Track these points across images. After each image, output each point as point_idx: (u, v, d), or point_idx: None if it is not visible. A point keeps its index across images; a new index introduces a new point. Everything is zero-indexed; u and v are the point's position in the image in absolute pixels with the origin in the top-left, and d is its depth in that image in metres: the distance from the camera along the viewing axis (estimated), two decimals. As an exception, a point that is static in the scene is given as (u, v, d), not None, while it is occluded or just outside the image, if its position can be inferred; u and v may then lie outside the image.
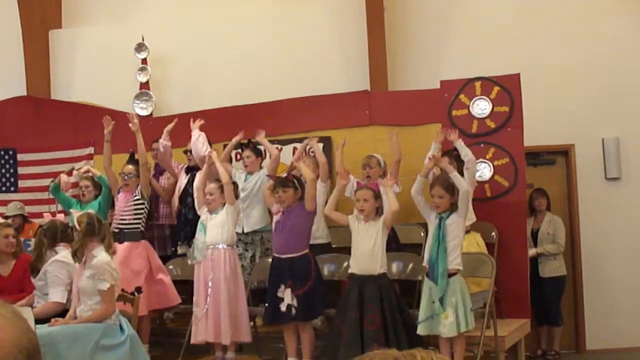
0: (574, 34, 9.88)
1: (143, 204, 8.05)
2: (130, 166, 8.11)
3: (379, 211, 6.93)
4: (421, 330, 6.51)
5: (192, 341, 7.41)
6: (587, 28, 9.88)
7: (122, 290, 6.67)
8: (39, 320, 6.09)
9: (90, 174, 8.57)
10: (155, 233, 8.78)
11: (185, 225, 8.45)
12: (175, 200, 8.83)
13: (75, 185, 9.29)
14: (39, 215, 9.22)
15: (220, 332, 7.22)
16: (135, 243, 7.86)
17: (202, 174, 7.86)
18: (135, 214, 7.94)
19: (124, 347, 6.11)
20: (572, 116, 9.67)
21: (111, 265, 6.29)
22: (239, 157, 9.05)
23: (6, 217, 9.29)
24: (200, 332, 7.33)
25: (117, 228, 7.92)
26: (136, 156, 8.19)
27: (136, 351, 6.22)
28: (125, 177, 8.04)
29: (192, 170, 8.70)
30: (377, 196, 6.94)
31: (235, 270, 7.38)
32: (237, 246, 8.06)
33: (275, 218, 7.25)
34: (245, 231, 8.21)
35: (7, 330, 1.41)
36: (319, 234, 7.93)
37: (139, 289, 6.83)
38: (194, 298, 7.45)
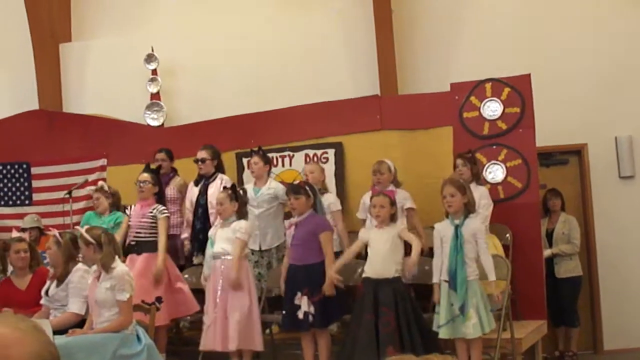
0: (585, 33, 9.85)
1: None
2: (145, 174, 8.11)
3: (393, 217, 6.94)
4: (443, 334, 6.50)
5: (200, 348, 7.42)
6: (598, 27, 9.85)
7: (142, 301, 6.68)
8: (56, 332, 6.10)
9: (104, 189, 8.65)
10: (169, 244, 8.78)
11: (198, 234, 8.46)
12: (188, 213, 8.82)
13: (89, 197, 9.34)
14: (54, 227, 9.26)
15: (228, 339, 7.22)
16: (153, 254, 7.86)
17: None
18: (152, 226, 7.93)
19: (141, 357, 6.12)
20: (584, 115, 9.64)
21: (130, 275, 6.33)
22: (250, 165, 9.06)
23: (23, 230, 9.34)
24: (208, 341, 7.33)
25: (133, 240, 7.93)
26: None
27: (153, 361, 6.24)
28: (141, 185, 8.03)
29: (201, 180, 8.69)
30: (393, 203, 6.96)
31: (247, 280, 7.37)
32: (253, 253, 8.08)
33: (289, 232, 7.26)
34: (262, 249, 8.25)
35: (29, 344, 1.42)
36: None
37: (159, 299, 6.84)
38: (205, 307, 7.47)
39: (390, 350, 6.28)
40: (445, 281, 6.52)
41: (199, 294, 7.98)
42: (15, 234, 8.68)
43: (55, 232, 7.25)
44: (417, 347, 6.36)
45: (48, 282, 7.04)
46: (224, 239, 7.40)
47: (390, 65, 10.00)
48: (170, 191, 9.04)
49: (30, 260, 7.70)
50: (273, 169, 8.72)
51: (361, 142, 8.93)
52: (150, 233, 7.93)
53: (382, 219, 6.87)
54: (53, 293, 6.83)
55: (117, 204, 8.53)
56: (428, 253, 7.69)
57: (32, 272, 7.66)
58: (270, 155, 8.69)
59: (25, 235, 8.54)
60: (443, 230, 6.69)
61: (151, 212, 7.96)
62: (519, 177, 8.14)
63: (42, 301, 7.05)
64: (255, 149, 8.47)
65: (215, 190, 8.24)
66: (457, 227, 6.56)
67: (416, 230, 7.69)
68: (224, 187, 7.68)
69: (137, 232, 7.95)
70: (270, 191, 8.27)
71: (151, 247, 7.91)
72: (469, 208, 6.66)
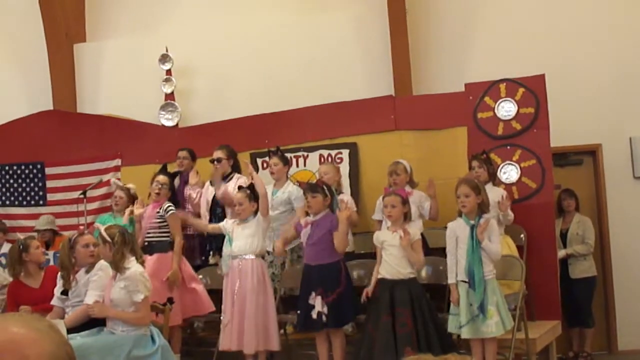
0: (599, 33, 9.81)
1: None
2: (164, 177, 8.12)
3: (406, 217, 6.93)
4: (465, 334, 6.49)
5: (220, 349, 7.44)
6: (613, 27, 9.81)
7: (154, 301, 6.69)
8: (72, 329, 6.11)
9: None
10: (184, 243, 8.79)
11: (216, 236, 8.45)
12: (204, 212, 8.83)
13: (106, 196, 9.36)
14: (68, 227, 9.29)
15: (244, 341, 7.24)
16: (165, 254, 7.88)
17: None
18: (161, 226, 7.94)
19: (155, 358, 6.14)
20: (598, 116, 9.61)
21: (144, 276, 6.34)
22: (265, 165, 9.07)
23: (37, 231, 9.38)
24: (225, 340, 7.35)
25: (146, 241, 7.95)
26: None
27: (168, 361, 6.25)
28: (160, 186, 8.03)
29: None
30: (405, 202, 6.95)
31: (263, 280, 7.38)
32: (268, 253, 8.09)
33: (305, 231, 7.25)
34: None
35: (45, 345, 1.42)
36: None
37: (170, 300, 6.85)
38: (222, 307, 7.48)
39: (407, 350, 6.27)
40: (464, 281, 6.50)
41: (212, 294, 7.99)
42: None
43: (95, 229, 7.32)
44: (433, 347, 6.35)
45: (60, 282, 7.04)
46: (243, 236, 7.42)
47: (404, 65, 9.99)
48: (189, 190, 9.05)
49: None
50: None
51: (375, 143, 8.93)
52: (160, 233, 7.94)
53: (395, 219, 6.86)
54: (75, 288, 6.81)
55: (133, 202, 8.58)
56: (442, 253, 7.69)
57: (43, 271, 7.69)
58: (286, 155, 8.67)
59: (39, 238, 8.58)
60: (458, 230, 6.67)
61: (158, 212, 7.99)
62: (533, 177, 8.12)
63: (53, 302, 7.05)
64: (273, 149, 8.45)
65: (232, 190, 8.24)
66: (472, 228, 6.54)
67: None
68: (240, 187, 7.67)
69: (147, 233, 7.97)
70: (285, 195, 8.27)
71: (162, 247, 7.92)
72: (482, 208, 6.64)
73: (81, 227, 8.09)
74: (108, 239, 6.36)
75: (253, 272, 7.33)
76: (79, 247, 6.81)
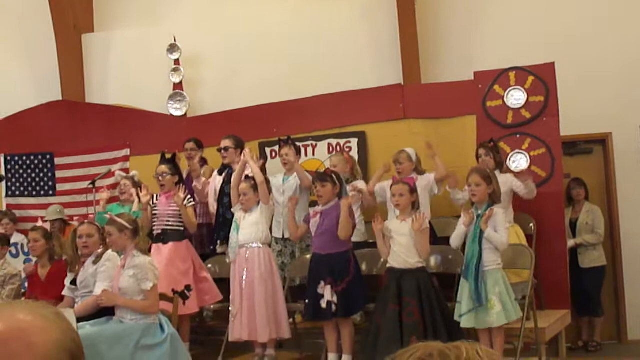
0: (609, 21, 9.75)
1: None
2: (163, 166, 8.11)
3: (414, 205, 6.91)
4: (465, 323, 6.48)
5: (230, 339, 7.44)
6: (623, 14, 9.75)
7: (172, 289, 6.70)
8: (81, 319, 6.12)
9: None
10: (193, 233, 8.79)
11: (224, 225, 8.44)
12: (212, 201, 8.84)
13: (115, 186, 9.38)
14: (78, 217, 9.31)
15: (256, 330, 7.25)
16: (179, 243, 7.89)
17: (236, 173, 7.88)
18: (180, 215, 7.94)
19: (164, 346, 6.14)
20: (608, 104, 9.55)
21: (153, 264, 6.34)
22: (274, 154, 9.06)
23: (46, 221, 9.39)
24: (236, 331, 7.36)
25: (161, 230, 7.95)
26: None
27: (177, 350, 6.25)
28: (160, 178, 8.04)
29: (225, 169, 8.70)
30: (413, 190, 6.92)
31: (270, 268, 7.38)
32: (277, 243, 8.09)
33: (314, 221, 7.24)
34: (285, 237, 8.24)
35: (51, 332, 1.42)
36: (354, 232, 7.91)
37: (188, 287, 6.85)
38: (230, 297, 7.48)
39: (414, 340, 6.25)
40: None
41: (220, 283, 7.99)
42: (40, 224, 8.73)
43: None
44: (441, 337, 6.32)
45: (70, 273, 7.06)
46: (248, 224, 7.42)
47: (413, 54, 9.96)
48: (194, 182, 9.04)
49: (50, 251, 7.73)
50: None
51: (384, 131, 8.92)
52: (178, 222, 7.95)
53: (403, 207, 6.83)
54: (83, 279, 6.82)
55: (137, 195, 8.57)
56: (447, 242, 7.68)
57: (52, 264, 7.68)
58: (297, 145, 8.65)
59: (47, 226, 8.58)
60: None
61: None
62: (543, 166, 8.10)
63: (64, 292, 7.07)
64: (284, 139, 8.42)
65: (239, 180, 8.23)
66: (478, 217, 6.53)
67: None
68: (246, 176, 7.67)
69: (167, 221, 7.95)
70: (296, 181, 8.25)
71: (178, 236, 7.93)
72: (493, 198, 6.62)
73: (91, 216, 8.09)
74: (128, 226, 6.36)
75: (260, 261, 7.33)
76: (77, 238, 6.86)
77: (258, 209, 7.46)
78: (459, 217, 7.12)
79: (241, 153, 8.62)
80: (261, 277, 7.28)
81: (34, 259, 8.19)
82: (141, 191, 8.14)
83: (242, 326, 7.29)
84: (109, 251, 6.70)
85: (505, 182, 7.46)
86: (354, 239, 7.70)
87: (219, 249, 8.58)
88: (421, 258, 6.76)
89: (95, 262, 6.71)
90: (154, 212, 8.03)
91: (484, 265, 6.43)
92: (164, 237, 7.88)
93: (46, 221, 9.41)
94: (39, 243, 7.70)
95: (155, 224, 7.98)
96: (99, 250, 6.78)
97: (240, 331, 7.31)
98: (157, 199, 8.12)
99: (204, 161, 9.25)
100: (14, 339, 1.38)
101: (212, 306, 8.28)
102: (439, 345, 1.39)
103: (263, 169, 7.82)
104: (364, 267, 7.54)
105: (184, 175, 8.62)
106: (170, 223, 7.95)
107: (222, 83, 10.77)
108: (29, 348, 1.38)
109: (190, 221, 7.98)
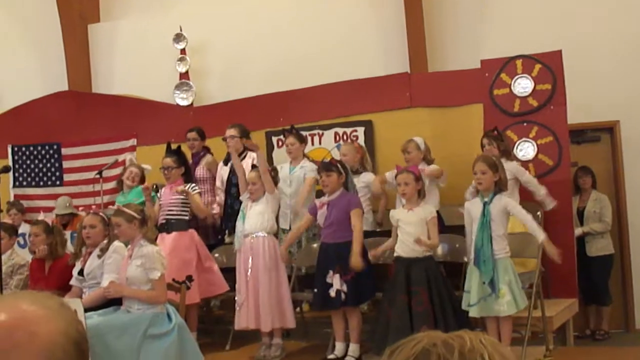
0: (617, 8, 9.69)
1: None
2: (168, 159, 8.12)
3: (420, 194, 6.90)
4: (474, 312, 6.48)
5: (236, 328, 7.46)
6: (632, 1, 9.69)
7: (173, 279, 6.70)
8: (89, 309, 6.13)
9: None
10: (200, 222, 8.81)
11: (232, 215, 8.43)
12: (218, 192, 8.84)
13: (118, 176, 9.39)
14: (85, 207, 9.34)
15: (261, 319, 7.26)
16: (183, 232, 7.90)
17: (236, 165, 7.93)
18: (183, 205, 7.96)
19: (172, 336, 6.14)
20: (616, 92, 9.50)
21: (161, 254, 6.35)
22: (280, 143, 9.06)
23: (57, 215, 9.42)
24: (242, 319, 7.38)
25: (164, 219, 7.97)
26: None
27: (184, 339, 6.25)
28: (166, 172, 8.06)
29: (230, 158, 8.69)
30: (418, 179, 6.90)
31: (275, 257, 7.39)
32: (284, 232, 8.09)
33: (321, 212, 7.23)
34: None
35: (56, 322, 1.42)
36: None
37: (190, 278, 6.86)
38: (236, 286, 7.49)
39: (424, 329, 6.24)
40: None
41: (228, 272, 8.00)
42: (42, 216, 8.75)
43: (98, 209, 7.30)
44: (450, 326, 6.33)
45: (78, 263, 7.07)
46: (254, 214, 7.42)
47: (420, 42, 9.94)
48: (201, 171, 9.06)
49: (51, 246, 7.69)
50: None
51: (391, 120, 8.92)
52: (182, 211, 7.96)
53: (409, 196, 6.83)
54: (89, 271, 6.84)
55: (142, 182, 8.58)
56: (457, 231, 7.68)
57: (53, 259, 7.66)
58: (302, 134, 8.64)
59: (49, 219, 8.57)
60: (472, 208, 6.66)
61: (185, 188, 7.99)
62: (550, 154, 8.08)
63: (72, 281, 7.09)
64: (288, 128, 8.42)
65: (246, 168, 8.23)
66: (485, 205, 6.52)
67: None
68: (253, 166, 7.67)
69: (169, 210, 7.97)
70: (302, 171, 8.25)
71: (182, 225, 7.95)
72: (500, 186, 6.61)
73: (94, 207, 8.10)
74: (137, 215, 6.37)
75: (265, 250, 7.33)
76: (82, 228, 6.88)
77: (264, 198, 7.46)
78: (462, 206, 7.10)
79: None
80: (265, 266, 7.29)
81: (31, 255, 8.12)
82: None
83: (247, 315, 7.30)
84: (116, 242, 6.71)
85: (511, 170, 7.45)
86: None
87: (227, 239, 8.59)
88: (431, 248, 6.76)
89: (100, 255, 6.72)
90: (160, 202, 8.07)
91: (494, 254, 6.43)
92: (167, 226, 7.90)
93: (56, 215, 9.45)
94: (39, 238, 7.67)
95: (160, 213, 8.00)
96: (104, 242, 6.79)
97: (246, 320, 7.33)
98: (162, 191, 8.16)
99: (206, 150, 9.25)
100: (17, 328, 1.38)
101: (219, 296, 8.29)
102: (443, 335, 1.39)
103: (269, 159, 7.84)
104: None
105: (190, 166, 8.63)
106: (173, 212, 7.96)
107: (228, 72, 10.76)
108: (32, 337, 1.38)
109: (199, 208, 8.02)
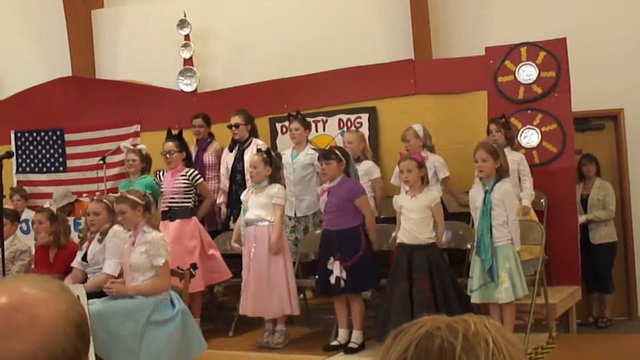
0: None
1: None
2: (169, 143, 8.10)
3: (424, 180, 6.89)
4: (475, 298, 6.51)
5: (240, 312, 7.46)
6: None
7: (177, 267, 6.70)
8: (92, 295, 6.14)
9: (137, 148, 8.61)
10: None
11: (237, 202, 8.40)
12: (223, 179, 8.82)
13: (121, 162, 9.37)
14: (88, 194, 9.34)
15: (263, 306, 7.26)
16: (186, 220, 7.90)
17: None
18: (186, 192, 7.95)
19: (175, 322, 6.15)
20: (620, 80, 9.46)
21: (165, 240, 6.35)
22: (284, 130, 9.05)
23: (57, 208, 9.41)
24: (245, 306, 7.37)
25: (167, 207, 7.95)
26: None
27: (187, 325, 6.27)
28: (167, 156, 8.04)
29: (235, 145, 8.68)
30: (421, 166, 6.89)
31: (280, 245, 7.36)
32: (290, 219, 8.08)
33: (322, 199, 7.22)
34: (298, 216, 8.24)
35: (56, 305, 1.42)
36: None
37: (194, 265, 6.86)
38: (242, 273, 7.49)
39: (425, 316, 6.25)
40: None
41: (231, 259, 8.00)
42: (47, 203, 8.74)
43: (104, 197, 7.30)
44: (454, 311, 6.32)
45: (81, 250, 7.09)
46: (257, 204, 7.39)
47: (424, 28, 9.90)
48: (209, 157, 9.05)
49: (55, 235, 7.67)
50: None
51: (395, 107, 8.90)
52: (184, 198, 7.95)
53: (412, 183, 6.82)
54: (92, 256, 6.84)
55: (148, 169, 8.48)
56: (460, 218, 7.68)
57: (57, 248, 7.66)
58: (307, 120, 8.63)
59: (53, 208, 8.57)
60: (475, 196, 6.66)
61: (184, 176, 7.97)
62: (554, 141, 8.07)
63: (73, 264, 7.09)
64: (294, 113, 8.41)
65: (251, 155, 8.21)
66: (486, 193, 6.52)
67: (454, 196, 7.87)
68: (258, 150, 7.64)
69: (171, 198, 7.96)
70: (307, 157, 8.23)
71: (184, 213, 7.93)
72: (501, 173, 6.60)
73: (97, 194, 8.09)
74: (140, 202, 6.35)
75: (269, 238, 7.30)
76: (86, 215, 6.89)
77: (268, 188, 7.38)
78: (469, 192, 7.09)
79: (251, 128, 8.62)
80: (269, 253, 7.26)
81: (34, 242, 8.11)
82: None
83: (250, 302, 7.30)
84: (115, 227, 6.72)
85: (514, 159, 7.44)
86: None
87: (232, 225, 8.59)
88: (432, 234, 6.75)
89: (101, 240, 6.74)
90: (160, 189, 8.05)
91: (495, 241, 6.43)
92: (170, 214, 7.89)
93: (58, 208, 9.43)
94: (43, 225, 7.64)
95: (162, 200, 7.98)
96: (106, 226, 6.80)
97: (249, 306, 7.33)
98: (163, 176, 8.13)
99: (211, 137, 9.23)
100: (18, 311, 1.38)
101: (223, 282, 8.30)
102: (447, 319, 1.38)
103: (272, 145, 7.82)
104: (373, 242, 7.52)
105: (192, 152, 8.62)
106: (175, 200, 7.95)
107: (232, 58, 10.74)
108: (33, 320, 1.38)
109: (208, 194, 8.08)
